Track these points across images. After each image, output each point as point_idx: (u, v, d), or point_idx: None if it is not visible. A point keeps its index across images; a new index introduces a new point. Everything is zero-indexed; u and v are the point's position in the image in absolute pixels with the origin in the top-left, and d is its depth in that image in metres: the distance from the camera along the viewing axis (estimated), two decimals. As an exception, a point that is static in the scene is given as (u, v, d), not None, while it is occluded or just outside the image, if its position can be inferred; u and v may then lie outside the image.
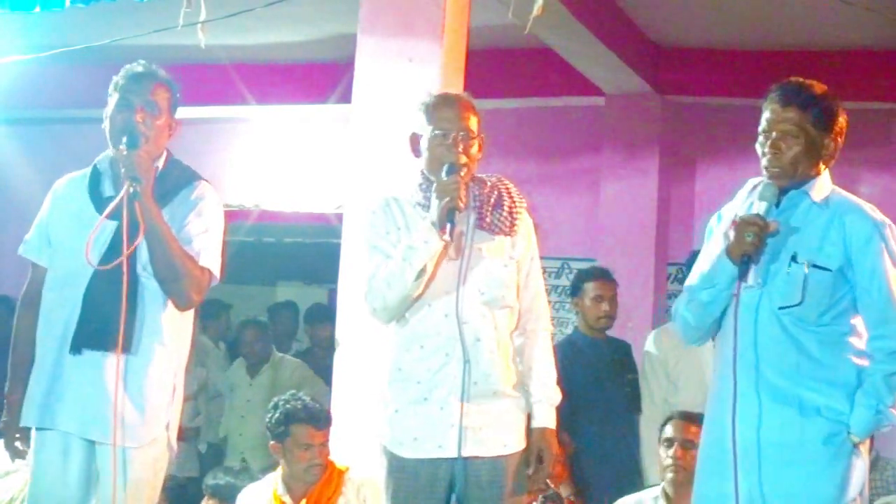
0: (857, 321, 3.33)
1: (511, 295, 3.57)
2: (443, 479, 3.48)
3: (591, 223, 7.71)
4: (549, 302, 8.01)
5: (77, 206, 3.56)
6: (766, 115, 3.36)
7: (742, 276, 3.27)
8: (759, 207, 3.31)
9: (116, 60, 7.29)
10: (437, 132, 3.52)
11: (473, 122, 3.56)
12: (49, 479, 3.49)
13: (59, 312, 3.49)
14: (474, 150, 3.55)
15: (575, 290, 5.71)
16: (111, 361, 3.41)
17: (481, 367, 3.47)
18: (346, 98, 5.29)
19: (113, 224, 3.44)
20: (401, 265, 3.41)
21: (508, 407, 3.54)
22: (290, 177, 8.42)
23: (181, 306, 3.55)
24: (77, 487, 3.48)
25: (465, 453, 3.45)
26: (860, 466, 3.31)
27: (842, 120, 3.39)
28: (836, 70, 7.30)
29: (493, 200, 3.56)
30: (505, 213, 3.56)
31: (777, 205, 3.35)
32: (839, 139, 3.39)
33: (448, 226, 3.41)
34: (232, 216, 8.58)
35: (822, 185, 3.38)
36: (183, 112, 8.18)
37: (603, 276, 5.68)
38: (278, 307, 8.76)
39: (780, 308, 3.28)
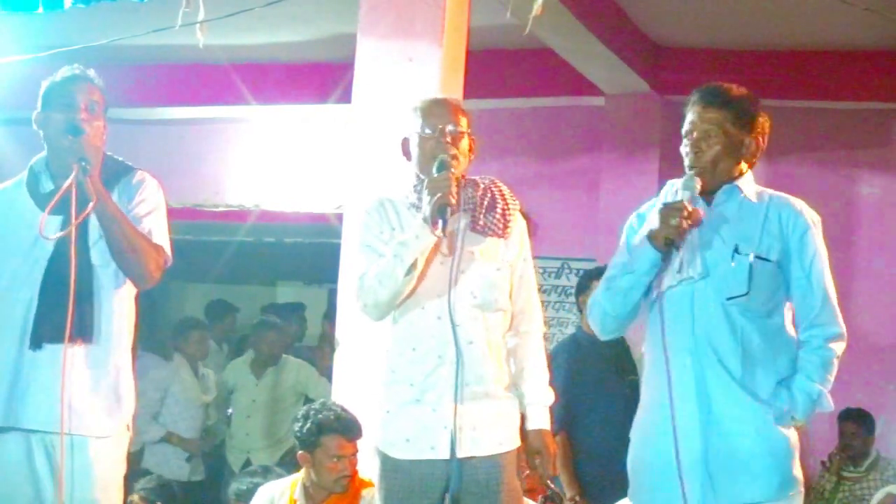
0: (787, 314, 3.46)
1: (504, 298, 3.58)
2: (437, 480, 3.48)
3: (591, 223, 7.71)
4: (549, 302, 8.05)
5: (18, 208, 3.57)
6: (688, 117, 3.47)
7: (665, 259, 3.37)
8: (682, 196, 3.39)
9: (116, 60, 7.34)
10: (427, 130, 3.54)
11: (463, 121, 3.58)
12: (16, 479, 3.48)
13: (13, 311, 3.49)
14: (464, 145, 3.56)
15: (582, 288, 5.68)
16: (72, 352, 3.42)
17: (474, 369, 3.48)
18: (346, 98, 5.28)
19: (59, 218, 3.45)
20: (391, 261, 3.42)
21: (501, 407, 3.56)
22: (290, 177, 8.42)
23: (142, 284, 3.58)
24: (48, 481, 3.47)
25: (459, 454, 3.46)
26: (799, 460, 3.42)
27: (762, 120, 3.49)
28: (836, 70, 7.33)
29: (486, 203, 3.56)
30: (498, 216, 3.56)
31: (710, 202, 3.46)
32: (760, 139, 3.49)
33: (440, 222, 3.41)
34: (232, 216, 8.62)
35: (752, 182, 3.49)
36: (183, 112, 8.14)
37: None
38: (285, 308, 8.76)
39: (728, 299, 3.36)
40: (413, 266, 3.41)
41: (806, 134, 7.62)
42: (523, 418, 3.65)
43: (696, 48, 7.52)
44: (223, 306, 8.62)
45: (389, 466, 3.52)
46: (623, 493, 5.16)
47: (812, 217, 3.45)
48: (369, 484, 4.36)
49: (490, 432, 3.50)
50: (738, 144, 3.43)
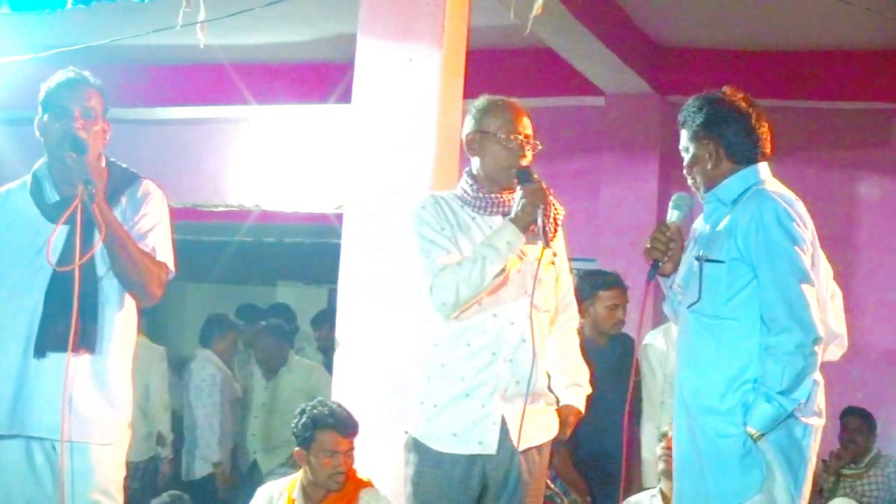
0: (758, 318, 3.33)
1: (553, 299, 3.69)
2: (476, 475, 3.55)
3: (591, 223, 7.71)
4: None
5: (22, 215, 3.55)
6: None
7: (650, 278, 3.46)
8: (671, 216, 3.47)
9: (116, 60, 7.34)
10: (499, 136, 3.60)
11: (530, 128, 3.66)
12: (16, 481, 3.47)
13: (18, 319, 3.48)
14: (531, 156, 3.64)
15: (587, 294, 5.65)
16: (75, 361, 3.42)
17: (524, 368, 3.56)
18: (346, 98, 5.28)
19: (65, 227, 3.43)
20: (481, 262, 3.47)
21: (544, 406, 3.66)
22: (290, 177, 8.42)
23: (144, 302, 3.59)
24: (48, 483, 3.46)
25: (504, 451, 3.54)
26: (765, 465, 3.25)
27: (716, 122, 3.40)
28: (836, 70, 7.33)
29: None
30: (550, 221, 3.61)
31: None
32: (716, 141, 3.39)
33: (541, 230, 3.50)
34: (232, 216, 8.62)
35: (731, 186, 3.39)
36: (183, 112, 8.13)
37: (618, 284, 5.64)
38: (275, 310, 8.75)
39: (688, 307, 3.38)
40: (503, 270, 3.49)
41: (806, 134, 7.61)
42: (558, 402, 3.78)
43: (696, 48, 7.52)
44: (252, 310, 8.60)
45: (431, 460, 3.56)
46: (614, 496, 5.17)
47: (768, 208, 3.27)
48: (367, 484, 4.36)
49: (533, 430, 3.58)
50: (699, 154, 3.43)
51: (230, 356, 7.38)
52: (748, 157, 3.41)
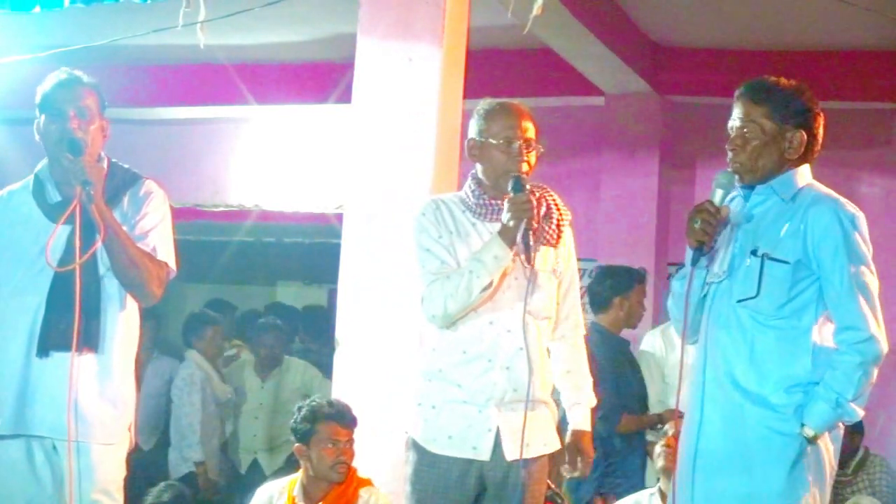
0: (825, 318, 3.29)
1: (553, 306, 3.64)
2: (472, 478, 3.54)
3: (591, 223, 7.71)
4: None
5: (25, 215, 3.56)
6: (731, 115, 3.38)
7: (694, 262, 3.29)
8: (714, 194, 3.32)
9: (116, 60, 7.34)
10: (499, 140, 3.55)
11: (532, 132, 3.59)
12: (17, 480, 3.48)
13: (21, 319, 3.49)
14: (533, 159, 3.59)
15: (625, 288, 5.62)
16: (78, 360, 3.42)
17: (521, 375, 3.53)
18: (346, 98, 5.28)
19: (67, 228, 3.44)
20: (467, 276, 3.45)
21: (542, 413, 3.62)
22: (291, 177, 8.42)
23: (144, 302, 3.59)
24: (48, 482, 3.48)
25: (499, 457, 3.52)
26: (813, 466, 3.24)
27: (811, 115, 3.39)
28: (836, 70, 7.32)
29: (542, 212, 3.58)
30: (553, 226, 3.59)
31: (747, 199, 3.37)
32: (806, 134, 3.36)
33: (522, 244, 3.46)
34: (232, 216, 8.62)
35: (791, 181, 3.34)
36: (183, 112, 8.15)
37: (646, 279, 5.65)
38: (275, 309, 8.75)
39: (738, 301, 3.27)
40: (490, 284, 3.46)
41: (806, 134, 7.60)
42: (561, 420, 3.74)
43: (696, 48, 7.52)
44: (222, 306, 8.62)
45: (426, 461, 3.56)
46: (626, 490, 5.18)
47: (842, 214, 3.27)
48: (367, 482, 4.36)
49: (531, 438, 3.54)
50: (778, 139, 3.32)
51: (215, 352, 7.37)
52: (811, 156, 3.40)
